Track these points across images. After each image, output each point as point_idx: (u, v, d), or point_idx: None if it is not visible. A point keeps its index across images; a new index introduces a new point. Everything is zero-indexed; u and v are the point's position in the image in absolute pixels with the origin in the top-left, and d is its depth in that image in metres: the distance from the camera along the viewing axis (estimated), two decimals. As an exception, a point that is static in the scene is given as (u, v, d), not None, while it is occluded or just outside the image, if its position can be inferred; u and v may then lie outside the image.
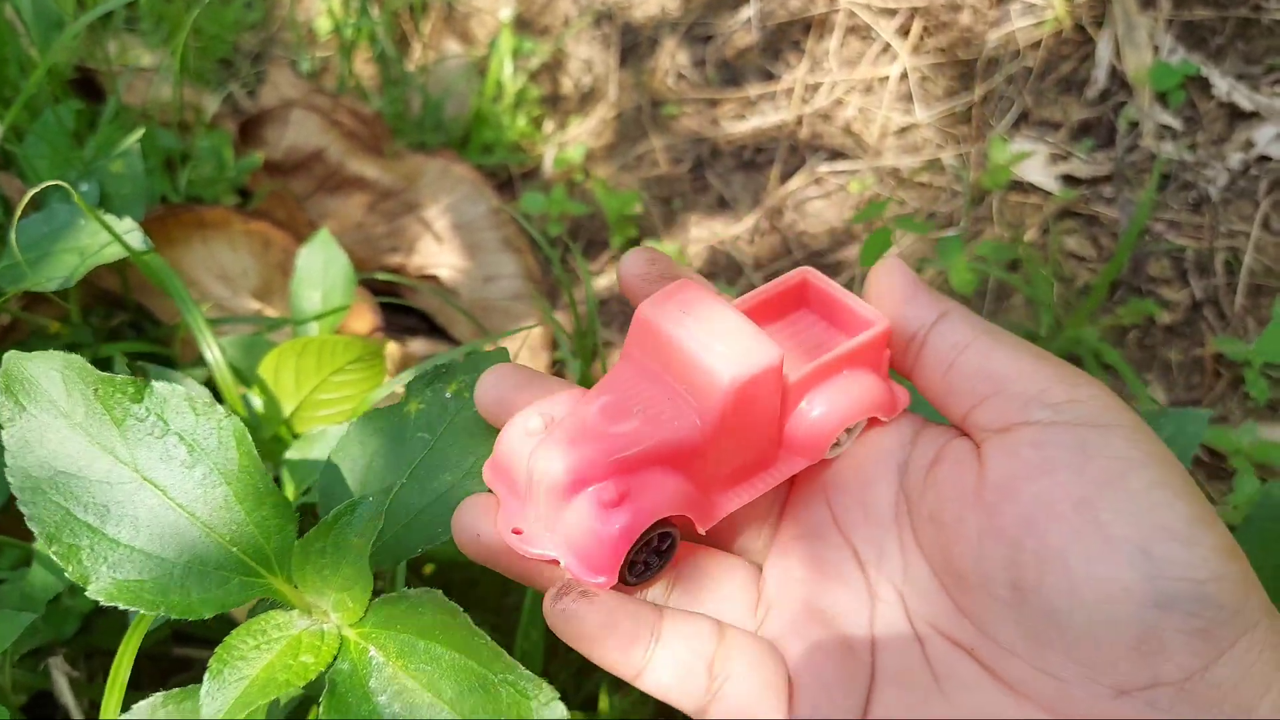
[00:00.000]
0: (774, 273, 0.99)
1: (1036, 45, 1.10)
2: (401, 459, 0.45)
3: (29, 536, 0.61)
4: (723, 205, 1.05)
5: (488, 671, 0.36)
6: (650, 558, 0.37)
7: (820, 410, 0.38)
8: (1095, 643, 0.31)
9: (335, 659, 0.39)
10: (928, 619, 0.36)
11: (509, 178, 1.12)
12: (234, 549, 0.41)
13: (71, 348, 0.69)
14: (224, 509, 0.41)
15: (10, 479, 0.39)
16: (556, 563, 0.37)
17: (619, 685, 0.66)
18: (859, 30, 1.12)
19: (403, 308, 0.99)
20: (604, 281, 1.03)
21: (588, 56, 1.19)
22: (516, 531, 0.38)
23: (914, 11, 1.11)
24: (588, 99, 1.17)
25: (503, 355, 0.43)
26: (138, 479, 0.40)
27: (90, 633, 0.67)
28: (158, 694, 0.41)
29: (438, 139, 1.11)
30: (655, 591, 0.39)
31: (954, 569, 0.35)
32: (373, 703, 0.37)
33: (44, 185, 0.56)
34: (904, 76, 1.09)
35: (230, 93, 1.13)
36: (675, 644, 0.36)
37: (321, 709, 0.37)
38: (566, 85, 1.18)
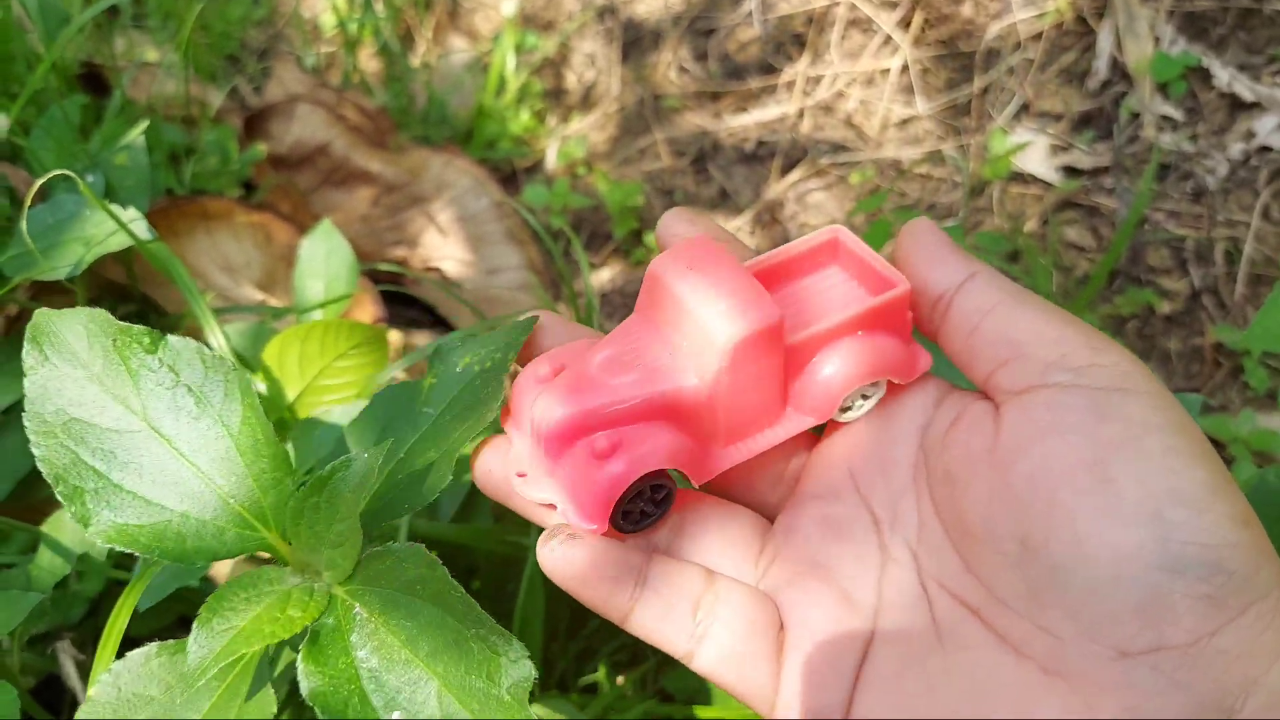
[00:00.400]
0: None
1: (1037, 37, 1.10)
2: (409, 432, 0.46)
3: (36, 521, 0.62)
4: (724, 197, 1.05)
5: (461, 626, 0.37)
6: (647, 507, 0.38)
7: (829, 370, 0.39)
8: (1099, 602, 0.30)
9: (323, 614, 0.40)
10: (937, 578, 0.36)
11: (512, 172, 1.13)
12: (231, 501, 0.41)
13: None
14: (225, 461, 0.42)
15: (27, 423, 0.40)
16: (554, 507, 0.38)
17: (618, 669, 0.67)
18: (860, 23, 1.12)
19: (407, 300, 1.00)
20: (606, 274, 1.04)
21: (590, 51, 1.19)
22: (521, 475, 0.39)
23: (915, 4, 1.11)
24: (590, 94, 1.17)
25: (529, 324, 0.44)
26: (146, 428, 0.41)
27: (97, 617, 0.67)
28: (151, 644, 0.42)
29: (442, 134, 1.12)
30: (657, 539, 0.40)
31: (964, 527, 0.35)
32: (351, 656, 0.38)
33: (51, 175, 0.57)
34: (905, 69, 1.09)
35: (235, 88, 1.14)
36: (660, 587, 0.37)
37: (300, 657, 0.38)
38: (570, 80, 1.19)
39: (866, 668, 0.35)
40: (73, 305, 0.72)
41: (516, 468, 0.40)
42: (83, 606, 0.64)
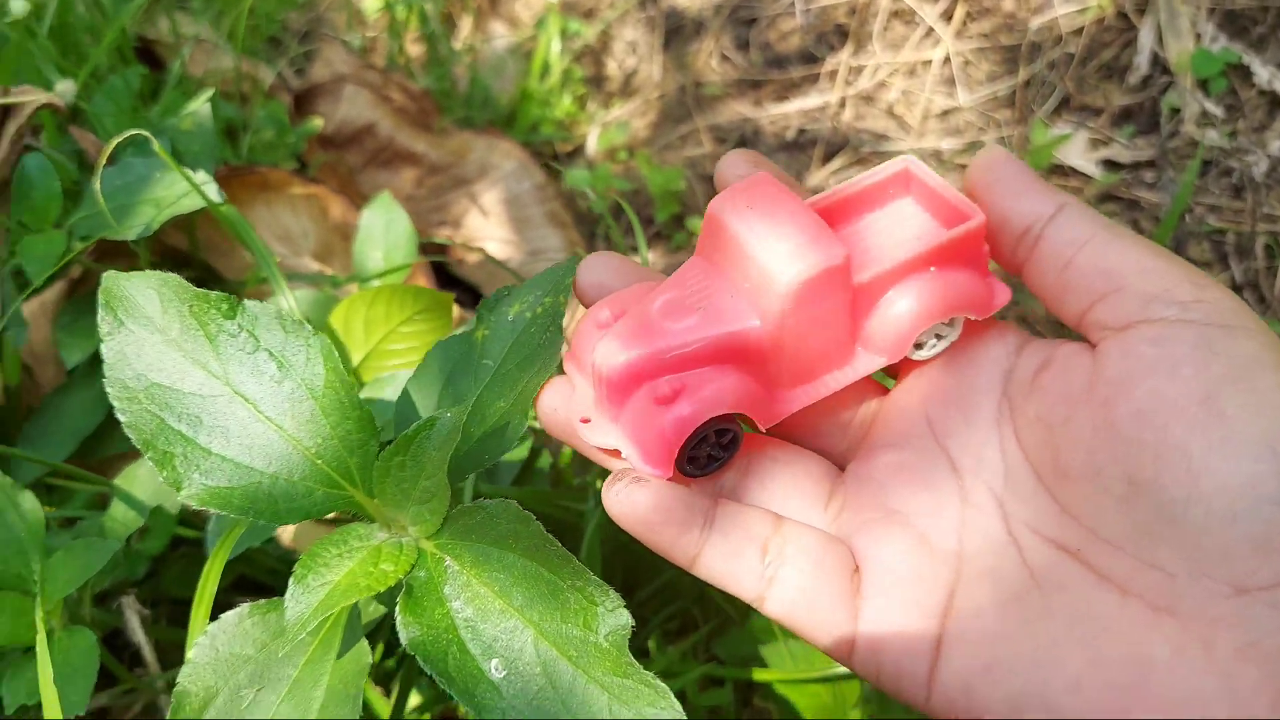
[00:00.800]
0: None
1: (1079, 32, 1.11)
2: (471, 384, 0.46)
3: (108, 475, 0.63)
4: (765, 184, 1.06)
5: (556, 578, 0.38)
6: (713, 451, 0.38)
7: (901, 307, 0.38)
8: (1214, 538, 0.30)
9: (413, 568, 0.41)
10: (1029, 523, 0.35)
11: (554, 155, 1.14)
12: (319, 461, 0.42)
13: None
14: (310, 423, 0.42)
15: (108, 389, 0.40)
16: (618, 453, 0.38)
17: (668, 638, 0.68)
18: (903, 14, 1.13)
19: (452, 281, 1.01)
20: (648, 257, 1.04)
21: (632, 39, 1.20)
22: (584, 420, 0.39)
23: (957, -3, 1.12)
24: (631, 81, 1.18)
25: (572, 265, 0.43)
26: (229, 392, 0.42)
27: (157, 578, 0.68)
28: (243, 605, 0.42)
29: (483, 117, 1.13)
30: (723, 483, 0.40)
31: (1062, 469, 0.34)
32: (446, 607, 0.39)
33: (127, 134, 0.58)
34: (947, 60, 1.10)
35: (280, 70, 1.15)
36: (728, 529, 0.37)
37: (398, 609, 0.39)
38: (611, 67, 1.20)
39: (955, 606, 0.35)
40: (137, 268, 0.73)
41: (580, 413, 0.40)
42: (145, 565, 0.65)
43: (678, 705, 0.35)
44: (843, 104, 1.09)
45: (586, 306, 0.42)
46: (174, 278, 0.42)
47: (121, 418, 0.40)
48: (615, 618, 0.37)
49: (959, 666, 0.34)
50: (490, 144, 1.06)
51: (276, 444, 0.42)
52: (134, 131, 0.58)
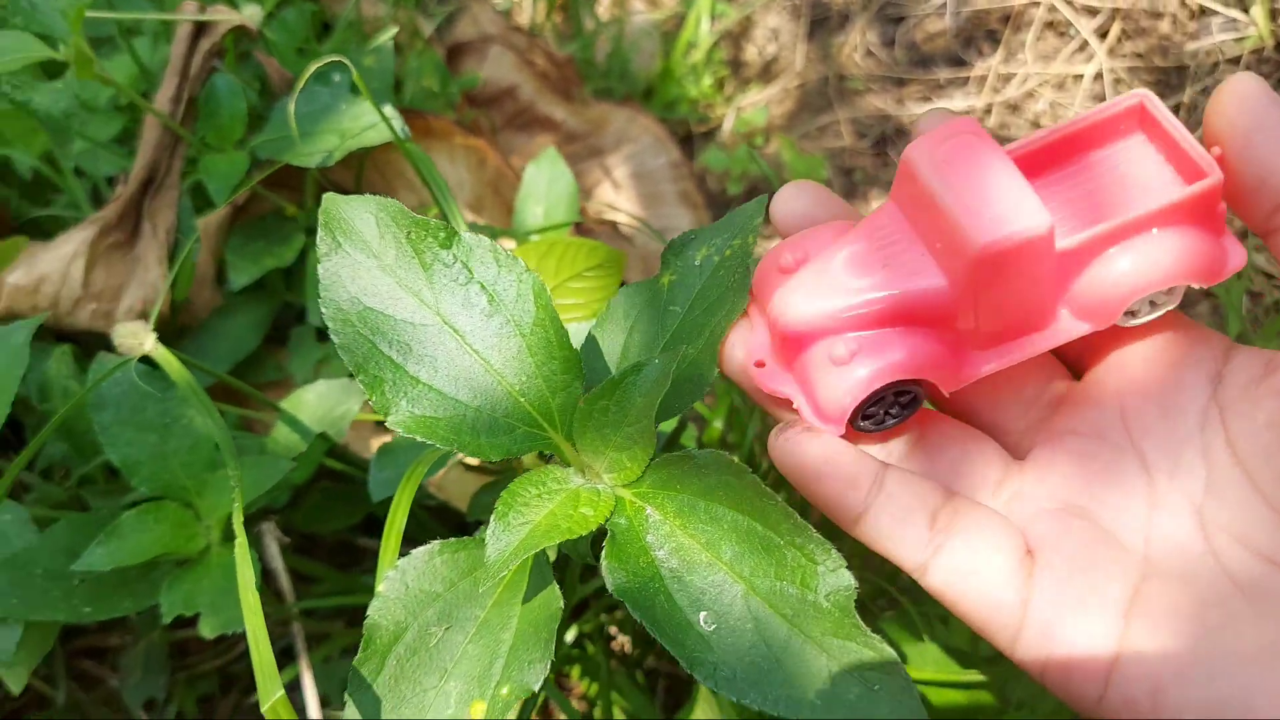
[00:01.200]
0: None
1: (1235, 61, 1.07)
2: (658, 330, 0.45)
3: (254, 403, 0.63)
4: (903, 184, 1.04)
5: (773, 533, 0.36)
6: (890, 409, 0.37)
7: (1118, 271, 0.34)
8: None
9: (612, 514, 0.40)
10: (1234, 533, 0.33)
11: (688, 134, 1.13)
12: (522, 399, 0.41)
13: (310, 233, 0.71)
14: (516, 360, 0.42)
15: (323, 309, 0.40)
16: (790, 403, 0.37)
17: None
18: (1057, 26, 1.11)
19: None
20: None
21: (775, 26, 1.19)
22: (759, 364, 0.38)
23: (1115, 12, 1.09)
24: (770, 68, 1.17)
25: (761, 204, 0.42)
26: (439, 322, 0.41)
27: (291, 509, 0.69)
28: (434, 542, 0.42)
29: (622, 90, 1.13)
30: (889, 450, 0.38)
31: None
32: (650, 556, 0.38)
33: (327, 60, 0.58)
34: (1099, 76, 1.07)
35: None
36: (897, 493, 0.35)
37: (605, 553, 0.38)
38: (750, 52, 1.19)
39: (1143, 605, 0.33)
40: (300, 203, 0.73)
41: (756, 355, 0.38)
42: (287, 494, 0.65)
43: (906, 675, 0.33)
44: (988, 110, 1.07)
45: (783, 237, 0.40)
46: (393, 203, 0.41)
47: (335, 339, 0.40)
48: (837, 578, 0.36)
49: (1148, 667, 0.31)
50: (630, 117, 1.06)
51: (482, 377, 0.42)
52: (333, 58, 0.58)
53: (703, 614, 0.37)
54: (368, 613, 0.40)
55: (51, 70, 0.71)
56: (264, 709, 0.35)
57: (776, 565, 0.37)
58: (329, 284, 0.41)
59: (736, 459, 0.39)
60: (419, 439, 0.40)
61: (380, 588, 0.40)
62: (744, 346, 0.39)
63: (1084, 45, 1.09)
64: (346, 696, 0.37)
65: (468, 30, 1.09)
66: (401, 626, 0.40)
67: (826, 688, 0.34)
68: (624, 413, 0.40)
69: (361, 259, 0.41)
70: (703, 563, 0.38)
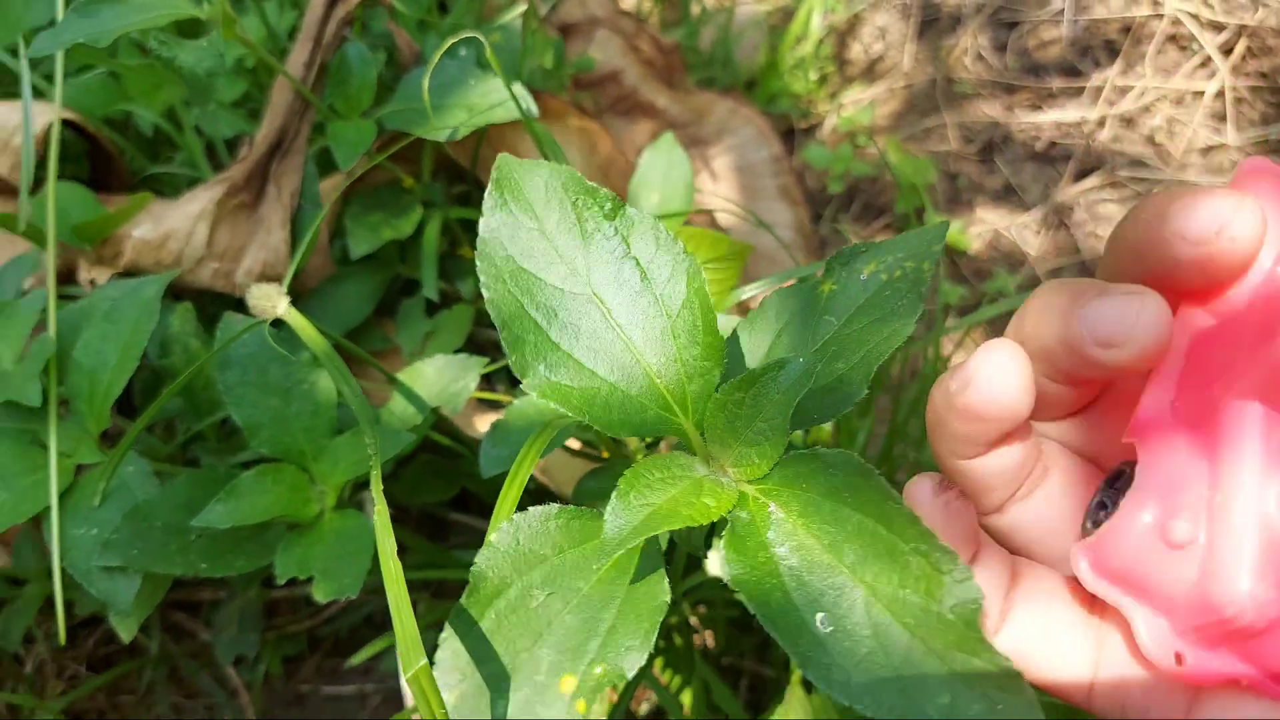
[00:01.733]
0: (1057, 269, 0.96)
1: (1364, 86, 1.04)
2: (807, 338, 0.44)
3: (363, 373, 0.63)
4: (1009, 192, 1.02)
5: (898, 539, 0.35)
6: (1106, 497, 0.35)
7: None
8: None
9: (734, 508, 0.39)
10: None
11: (789, 129, 1.12)
12: (658, 381, 0.41)
13: (427, 205, 0.72)
14: (658, 340, 0.41)
15: (479, 262, 0.40)
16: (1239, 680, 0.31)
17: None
18: (1180, 40, 1.08)
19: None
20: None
21: (883, 25, 1.17)
22: (1179, 658, 0.32)
23: (1242, 29, 1.06)
24: (875, 67, 1.15)
25: (942, 230, 0.41)
26: (588, 292, 0.41)
27: (394, 480, 0.69)
28: (551, 505, 0.42)
29: (725, 79, 1.12)
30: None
31: None
32: (770, 552, 0.37)
33: (462, 35, 0.58)
34: (1220, 94, 1.04)
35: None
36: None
37: (724, 543, 0.38)
38: (855, 50, 1.17)
39: None
40: (417, 175, 0.73)
41: (1168, 647, 0.32)
42: (392, 464, 0.65)
43: (1031, 694, 0.32)
44: (1102, 123, 1.05)
45: (983, 419, 0.33)
46: (568, 170, 0.41)
47: (485, 293, 0.40)
48: (964, 590, 0.34)
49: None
50: (732, 108, 1.05)
51: (621, 354, 0.41)
52: (468, 34, 0.58)
53: (820, 615, 0.36)
54: (475, 560, 0.39)
55: (183, 30, 0.71)
56: (406, 677, 0.35)
57: (900, 572, 0.36)
58: (488, 239, 0.41)
59: (864, 460, 0.38)
60: (552, 405, 0.40)
61: (492, 537, 0.40)
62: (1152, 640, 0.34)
63: (1207, 61, 1.06)
64: (446, 625, 0.37)
65: (575, 12, 1.09)
66: (506, 582, 0.40)
67: (946, 702, 0.33)
68: (758, 408, 0.39)
69: (524, 220, 0.41)
70: (824, 564, 0.37)
